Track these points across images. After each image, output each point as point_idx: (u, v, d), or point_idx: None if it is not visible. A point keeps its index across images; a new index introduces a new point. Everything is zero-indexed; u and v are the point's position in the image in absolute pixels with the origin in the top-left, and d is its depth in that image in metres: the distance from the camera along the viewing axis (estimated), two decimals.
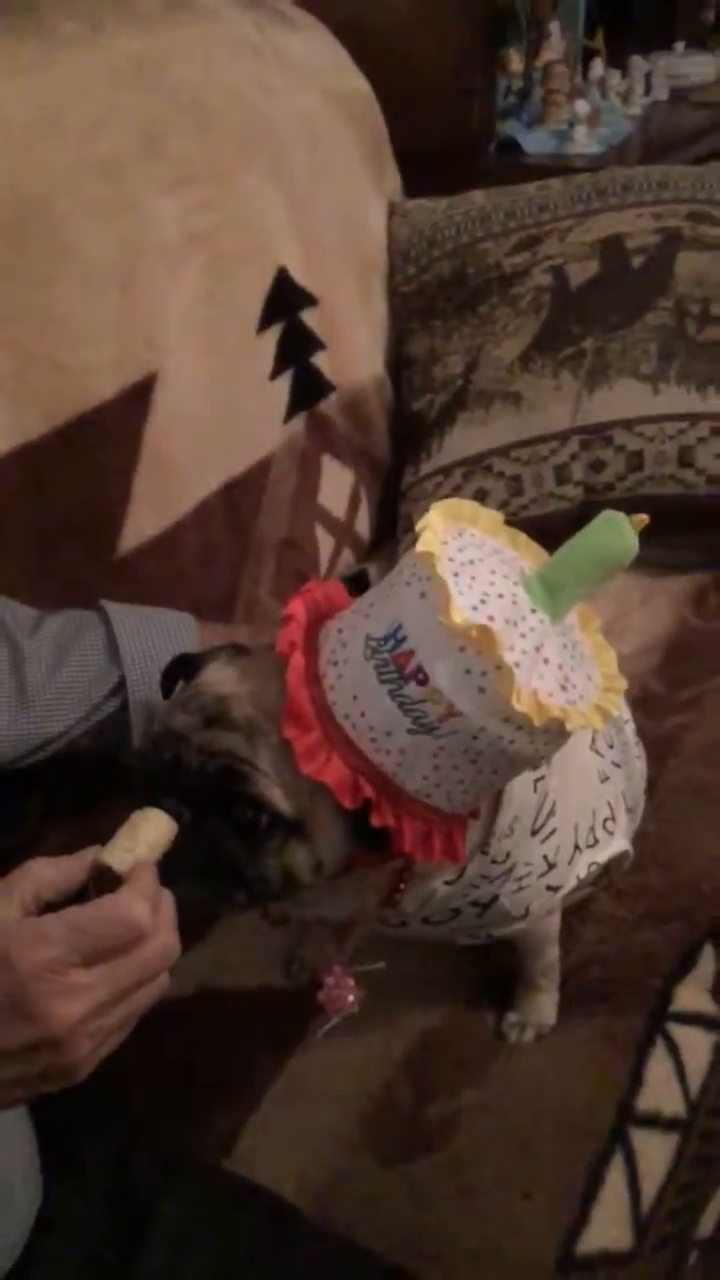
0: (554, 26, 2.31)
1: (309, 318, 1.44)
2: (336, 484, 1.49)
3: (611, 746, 0.95)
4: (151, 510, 1.19)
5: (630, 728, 0.99)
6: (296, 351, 1.42)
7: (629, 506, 1.45)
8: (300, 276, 1.43)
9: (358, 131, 1.62)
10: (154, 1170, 0.80)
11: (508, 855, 0.81)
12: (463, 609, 0.62)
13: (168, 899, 0.61)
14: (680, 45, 2.95)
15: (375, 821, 0.66)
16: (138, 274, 1.18)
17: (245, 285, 1.35)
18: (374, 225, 1.63)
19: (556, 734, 0.66)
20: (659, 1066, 0.92)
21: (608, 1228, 0.82)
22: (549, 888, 0.86)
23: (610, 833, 0.92)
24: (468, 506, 0.70)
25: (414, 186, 1.72)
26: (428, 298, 1.59)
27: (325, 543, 1.46)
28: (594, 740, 0.92)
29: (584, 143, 2.03)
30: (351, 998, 0.84)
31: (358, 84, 1.64)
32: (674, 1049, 0.94)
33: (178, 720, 0.71)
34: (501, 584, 0.65)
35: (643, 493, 1.44)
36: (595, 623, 0.71)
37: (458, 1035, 0.95)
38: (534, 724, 0.62)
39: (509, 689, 0.62)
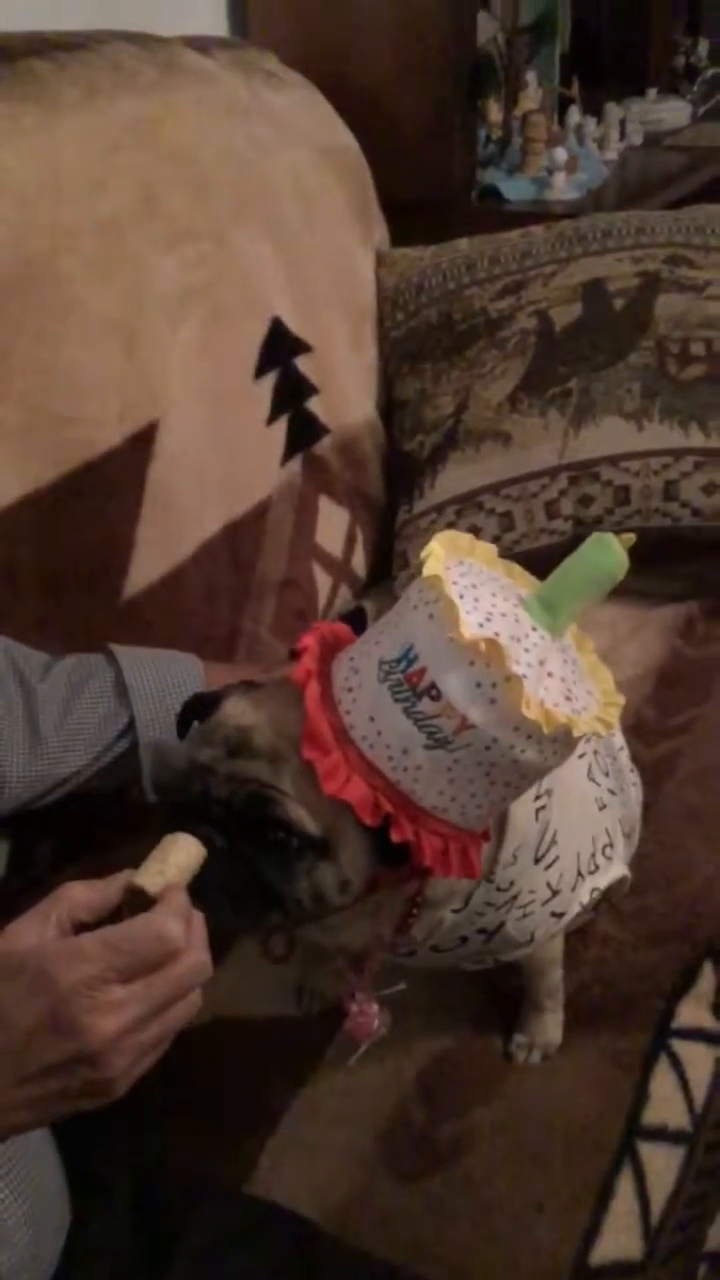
0: (531, 76, 2.36)
1: (303, 364, 1.48)
2: (333, 524, 1.53)
3: (607, 775, 0.98)
4: (156, 554, 1.22)
5: (625, 755, 1.02)
6: (292, 397, 1.46)
7: None
8: (294, 325, 1.47)
9: (345, 185, 1.67)
10: (179, 1192, 0.82)
11: (512, 883, 0.84)
12: (470, 625, 0.66)
13: (199, 919, 0.62)
14: (653, 91, 3.01)
15: (395, 837, 0.69)
16: (139, 328, 1.22)
17: (242, 335, 1.39)
18: (363, 274, 1.68)
19: (564, 743, 0.69)
20: (663, 1081, 0.95)
21: (619, 1238, 0.84)
22: (553, 914, 0.89)
23: (609, 858, 0.95)
24: (465, 539, 0.74)
25: (400, 235, 1.77)
26: (417, 342, 1.63)
27: (323, 581, 1.49)
28: (590, 770, 0.95)
29: (563, 189, 2.07)
30: (377, 1022, 0.86)
31: (344, 139, 1.70)
32: (677, 1064, 0.96)
33: (203, 754, 0.74)
34: (503, 604, 0.69)
35: (630, 526, 1.47)
36: (590, 644, 0.75)
37: (468, 1056, 0.98)
38: (543, 732, 0.66)
39: (519, 698, 0.65)
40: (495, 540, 1.48)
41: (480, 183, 2.06)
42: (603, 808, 0.95)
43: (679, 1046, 0.98)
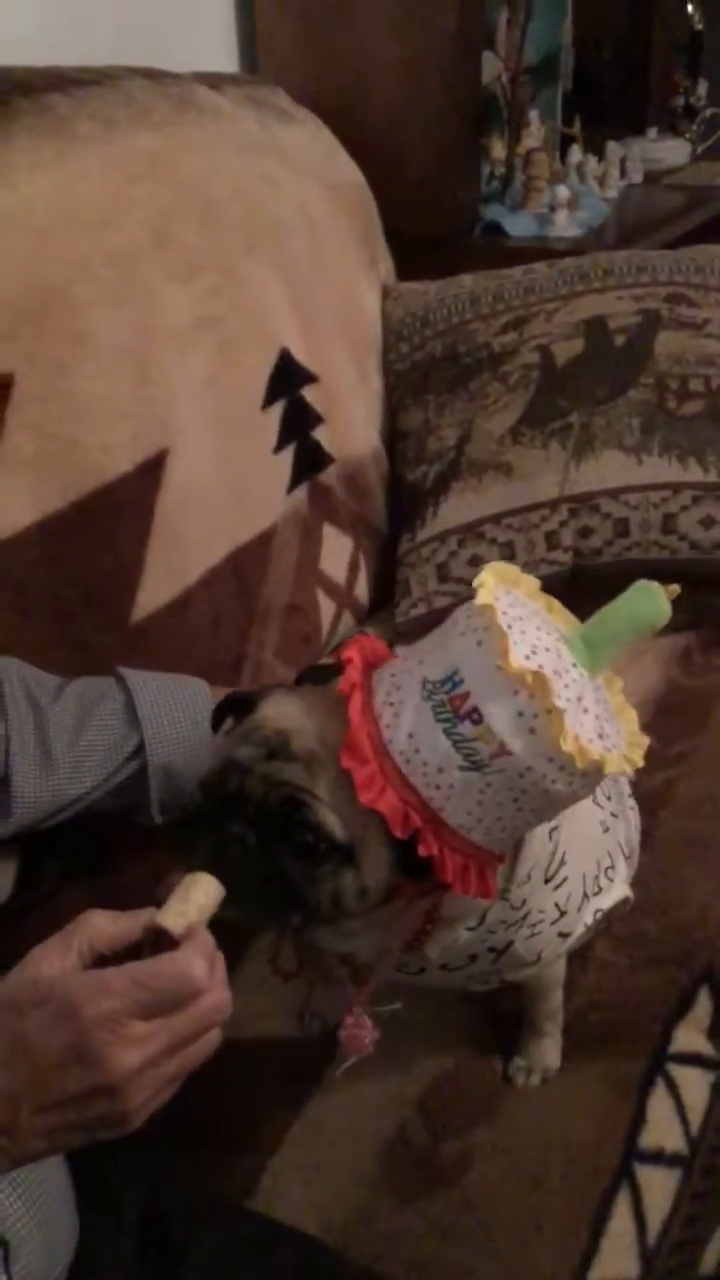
0: (533, 115, 2.39)
1: (310, 394, 1.51)
2: (337, 551, 1.55)
3: (609, 798, 0.99)
4: (163, 579, 1.24)
5: (624, 779, 1.04)
6: (298, 426, 1.48)
7: (616, 571, 1.51)
8: (301, 356, 1.49)
9: (353, 219, 1.70)
10: (186, 1209, 0.83)
11: (524, 902, 0.86)
12: (517, 656, 0.68)
13: (221, 960, 0.64)
14: (653, 130, 3.05)
15: (422, 851, 0.71)
16: (151, 357, 1.24)
17: (250, 365, 1.41)
18: (369, 307, 1.71)
19: (593, 777, 0.71)
20: (660, 1105, 0.96)
21: (617, 1258, 0.85)
22: (560, 934, 0.91)
23: (611, 880, 0.96)
24: (513, 570, 0.76)
25: (405, 269, 1.80)
26: (421, 375, 1.66)
27: (327, 607, 1.51)
28: (595, 793, 0.97)
29: (564, 225, 2.10)
30: (369, 1039, 0.87)
31: (352, 174, 1.73)
32: (674, 1088, 0.97)
33: (241, 752, 0.75)
34: (546, 639, 0.71)
35: (629, 557, 1.49)
36: (619, 685, 0.77)
37: (468, 1077, 0.99)
38: (576, 765, 0.68)
39: (558, 731, 0.67)
40: None
41: (483, 218, 2.10)
42: (606, 830, 0.96)
43: (675, 1071, 0.99)
